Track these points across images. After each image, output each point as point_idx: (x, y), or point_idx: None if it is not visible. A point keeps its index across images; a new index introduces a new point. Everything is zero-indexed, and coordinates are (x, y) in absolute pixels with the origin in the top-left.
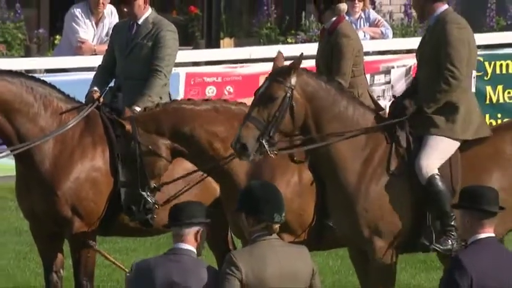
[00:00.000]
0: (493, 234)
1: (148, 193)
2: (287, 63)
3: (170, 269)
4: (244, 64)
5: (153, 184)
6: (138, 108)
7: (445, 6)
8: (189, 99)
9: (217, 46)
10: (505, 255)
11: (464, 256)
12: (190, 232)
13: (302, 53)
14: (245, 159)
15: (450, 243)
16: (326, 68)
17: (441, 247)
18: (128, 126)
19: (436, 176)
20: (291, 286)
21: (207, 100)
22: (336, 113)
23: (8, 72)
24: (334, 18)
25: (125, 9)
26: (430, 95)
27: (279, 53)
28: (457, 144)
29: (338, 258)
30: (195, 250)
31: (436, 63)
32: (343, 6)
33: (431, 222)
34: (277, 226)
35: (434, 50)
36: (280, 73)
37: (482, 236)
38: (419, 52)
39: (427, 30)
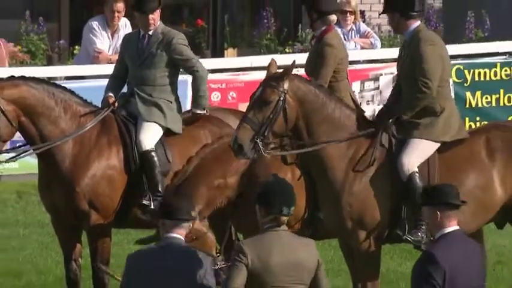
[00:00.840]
0: (458, 227)
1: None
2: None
3: (162, 255)
4: (246, 72)
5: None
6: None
7: (417, 23)
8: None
9: (222, 55)
10: (472, 247)
11: (437, 250)
12: (182, 226)
13: (294, 61)
14: (242, 158)
15: (420, 235)
16: (311, 73)
17: (412, 238)
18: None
19: (416, 174)
20: (294, 274)
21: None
22: (325, 115)
23: (32, 79)
24: (323, 28)
25: (138, 17)
26: (408, 104)
27: (273, 60)
28: (436, 145)
29: (331, 248)
30: (183, 238)
31: (413, 77)
32: (333, 17)
33: (405, 216)
34: (284, 218)
35: (411, 67)
36: (274, 79)
37: (449, 229)
38: (399, 66)
39: (403, 45)
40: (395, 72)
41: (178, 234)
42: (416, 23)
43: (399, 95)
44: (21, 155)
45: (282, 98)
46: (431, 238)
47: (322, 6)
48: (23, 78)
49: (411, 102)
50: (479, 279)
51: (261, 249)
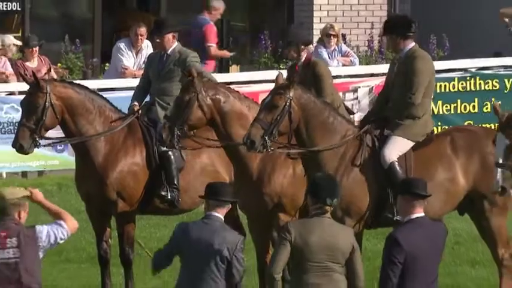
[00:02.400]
0: (423, 214)
1: (178, 132)
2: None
3: (201, 229)
4: (247, 85)
5: (185, 126)
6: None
7: (413, 44)
8: (234, 90)
9: (227, 71)
10: (436, 230)
11: (400, 234)
12: (223, 206)
13: (297, 73)
14: (253, 152)
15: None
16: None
17: (403, 220)
18: (194, 73)
19: (395, 162)
20: (330, 254)
21: (246, 97)
22: (321, 120)
23: (78, 84)
24: (306, 55)
25: (157, 40)
26: (400, 109)
27: (280, 73)
28: (411, 144)
29: None
30: (222, 217)
31: (404, 88)
32: (311, 47)
33: (393, 200)
34: (327, 207)
35: (405, 79)
36: (282, 87)
37: (415, 215)
38: (395, 77)
39: (399, 60)
40: (371, 85)
41: (219, 213)
42: (411, 44)
43: (385, 103)
44: (58, 143)
45: (288, 104)
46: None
47: (302, 36)
48: (70, 83)
49: (403, 107)
50: (438, 257)
51: (304, 230)
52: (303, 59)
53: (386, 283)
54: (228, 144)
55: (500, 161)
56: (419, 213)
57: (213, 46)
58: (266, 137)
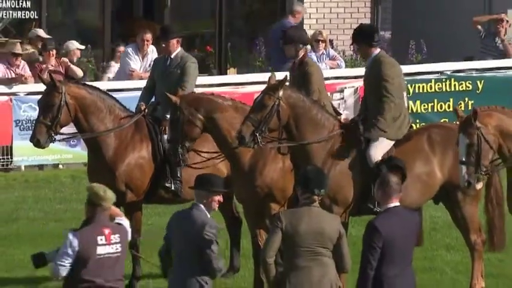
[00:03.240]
0: (399, 204)
1: (181, 149)
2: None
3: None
4: (243, 86)
5: (186, 143)
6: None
7: (378, 50)
8: (220, 95)
9: (225, 73)
10: (409, 218)
11: (378, 221)
12: (210, 196)
13: (286, 75)
14: (243, 147)
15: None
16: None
17: (381, 209)
18: (175, 99)
19: (380, 162)
20: (318, 239)
21: (231, 99)
22: (309, 117)
23: (90, 86)
24: (302, 54)
25: (163, 46)
26: (375, 112)
27: (273, 74)
28: (393, 142)
29: None
30: (207, 210)
31: (377, 92)
32: (308, 47)
33: (374, 194)
34: (316, 197)
35: (375, 84)
36: (271, 88)
37: (391, 205)
38: (366, 83)
39: (368, 67)
40: (356, 86)
41: (205, 205)
42: (377, 50)
43: (366, 107)
44: (72, 138)
45: (276, 103)
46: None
47: (299, 37)
48: (83, 84)
49: (379, 111)
50: (413, 242)
51: (294, 219)
52: (300, 57)
53: (366, 266)
54: (223, 147)
55: (463, 159)
56: (395, 203)
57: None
58: (257, 134)
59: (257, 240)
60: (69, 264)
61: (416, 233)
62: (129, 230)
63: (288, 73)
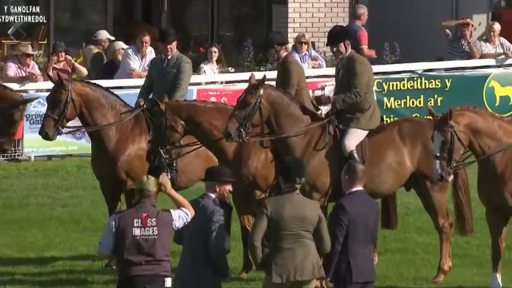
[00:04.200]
0: (361, 188)
1: (163, 151)
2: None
3: (197, 205)
4: (233, 84)
5: (168, 146)
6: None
7: (350, 50)
8: (202, 100)
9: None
10: (370, 202)
11: (345, 202)
12: (220, 187)
13: (265, 75)
14: (230, 142)
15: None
16: (282, 84)
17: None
18: (162, 106)
19: (354, 151)
20: (300, 224)
21: (213, 102)
22: (288, 112)
23: (93, 83)
24: (285, 54)
25: (162, 47)
26: (351, 108)
27: (252, 74)
28: (366, 132)
29: None
30: (214, 196)
31: (348, 87)
32: (289, 46)
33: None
34: (297, 185)
35: (347, 80)
36: (253, 87)
37: (354, 189)
38: (338, 79)
39: (341, 65)
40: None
41: (213, 193)
42: (349, 50)
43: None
44: (77, 131)
45: (258, 101)
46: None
47: (279, 39)
48: (88, 82)
49: (355, 108)
50: (372, 222)
51: (278, 205)
52: (282, 56)
53: (334, 241)
54: (208, 144)
55: (437, 154)
56: (358, 187)
57: (365, 47)
58: (241, 129)
59: (245, 223)
60: (108, 243)
61: (375, 216)
62: (186, 216)
63: (265, 73)
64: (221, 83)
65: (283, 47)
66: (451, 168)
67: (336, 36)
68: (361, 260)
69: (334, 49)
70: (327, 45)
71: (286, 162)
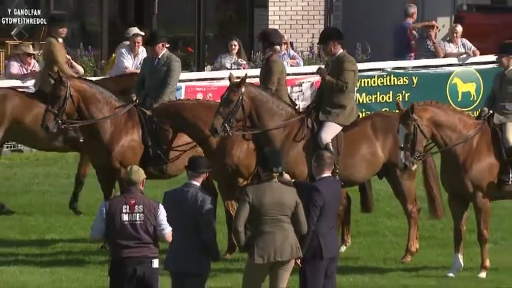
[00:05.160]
0: (330, 174)
1: (160, 151)
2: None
3: (182, 193)
4: (218, 80)
5: (164, 146)
6: (156, 105)
7: (341, 49)
8: (186, 99)
9: (203, 70)
10: (336, 186)
11: (318, 185)
12: (200, 175)
13: (246, 73)
14: (216, 137)
15: (337, 177)
16: (264, 83)
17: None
18: (148, 113)
19: (329, 143)
20: (279, 209)
21: (197, 99)
22: (268, 107)
23: (90, 80)
24: (270, 53)
25: (151, 47)
26: (331, 100)
27: (230, 73)
28: (341, 127)
29: None
30: (199, 184)
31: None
32: (277, 48)
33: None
34: (274, 174)
35: (336, 77)
36: (235, 85)
37: (324, 175)
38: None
39: (332, 62)
40: (312, 81)
41: (196, 181)
42: (341, 50)
43: (321, 97)
44: (75, 125)
45: (240, 98)
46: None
47: (272, 39)
48: (85, 79)
49: (331, 99)
50: (338, 205)
51: (258, 193)
52: (267, 55)
53: (309, 221)
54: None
55: (402, 145)
56: (327, 173)
57: (413, 43)
58: (226, 125)
59: (229, 209)
60: (99, 228)
61: (340, 199)
62: (166, 224)
63: (247, 71)
64: (207, 80)
65: (274, 47)
66: (414, 158)
67: (327, 36)
68: (329, 239)
69: (325, 48)
70: (318, 44)
71: (265, 153)
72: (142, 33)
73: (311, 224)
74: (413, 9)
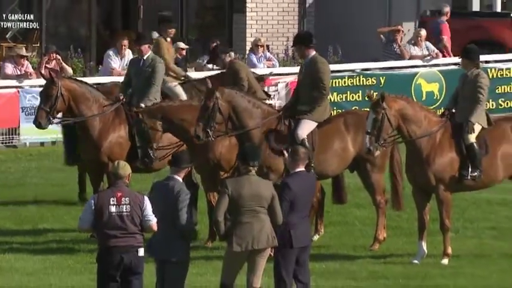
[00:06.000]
0: (303, 169)
1: (151, 150)
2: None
3: (165, 186)
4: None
5: (154, 145)
6: (143, 105)
7: (314, 52)
8: (169, 100)
9: (185, 71)
10: (309, 180)
11: (289, 180)
12: (181, 170)
13: (206, 78)
14: (200, 142)
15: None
16: (233, 83)
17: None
18: (139, 113)
19: (305, 139)
20: (257, 201)
21: (180, 100)
22: (244, 107)
23: (80, 80)
24: (229, 58)
25: (136, 49)
26: (307, 100)
27: (207, 78)
28: (316, 124)
29: None
30: (181, 179)
31: (311, 84)
32: (232, 54)
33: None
34: (251, 168)
35: (311, 77)
36: (210, 92)
37: (297, 170)
38: (302, 77)
39: (305, 65)
40: (287, 81)
41: (177, 176)
42: (313, 52)
43: (298, 97)
44: (66, 122)
45: (216, 102)
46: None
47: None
48: (75, 79)
49: (314, 100)
50: (311, 197)
51: (237, 185)
52: (228, 60)
53: (282, 214)
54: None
55: (369, 131)
56: (301, 168)
57: (445, 38)
58: (208, 130)
59: (210, 200)
60: (87, 219)
61: (313, 192)
62: (151, 217)
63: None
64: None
65: (227, 54)
66: (378, 144)
67: (300, 39)
68: (299, 229)
69: (299, 51)
70: (292, 46)
71: (243, 148)
72: (186, 47)
73: (283, 217)
74: (446, 9)
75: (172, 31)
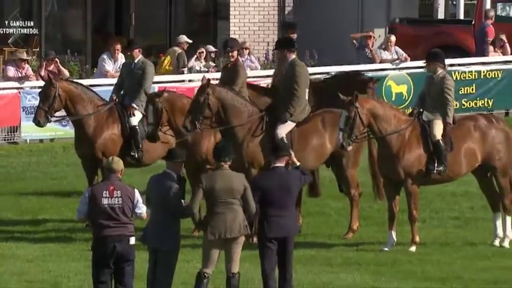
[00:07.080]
0: (282, 165)
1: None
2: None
3: (162, 179)
4: (187, 82)
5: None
6: (134, 105)
7: (293, 56)
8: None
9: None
10: (286, 175)
11: (257, 178)
12: (175, 164)
13: (204, 76)
14: (187, 133)
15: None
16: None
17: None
18: (156, 98)
19: (284, 137)
20: (230, 193)
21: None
22: (232, 105)
23: (76, 82)
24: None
25: (128, 53)
26: (286, 101)
27: (204, 75)
28: (294, 124)
29: None
30: (175, 174)
31: (290, 87)
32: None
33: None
34: (223, 163)
35: (289, 80)
36: (201, 88)
37: (275, 165)
38: (282, 80)
39: (286, 68)
40: (268, 83)
41: (171, 170)
42: (293, 56)
43: (277, 97)
44: (63, 120)
45: (206, 98)
46: (295, 166)
47: (233, 44)
48: (71, 81)
49: (291, 101)
50: (290, 191)
51: (211, 179)
52: (234, 59)
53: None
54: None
55: (342, 127)
56: (279, 164)
57: (490, 40)
58: (196, 122)
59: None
60: (83, 211)
61: (294, 187)
62: (142, 210)
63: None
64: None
65: (235, 50)
66: (351, 140)
67: (281, 44)
68: (274, 221)
69: (280, 55)
70: (273, 50)
71: (216, 146)
72: (190, 41)
73: (256, 208)
74: (491, 13)
75: (294, 36)
